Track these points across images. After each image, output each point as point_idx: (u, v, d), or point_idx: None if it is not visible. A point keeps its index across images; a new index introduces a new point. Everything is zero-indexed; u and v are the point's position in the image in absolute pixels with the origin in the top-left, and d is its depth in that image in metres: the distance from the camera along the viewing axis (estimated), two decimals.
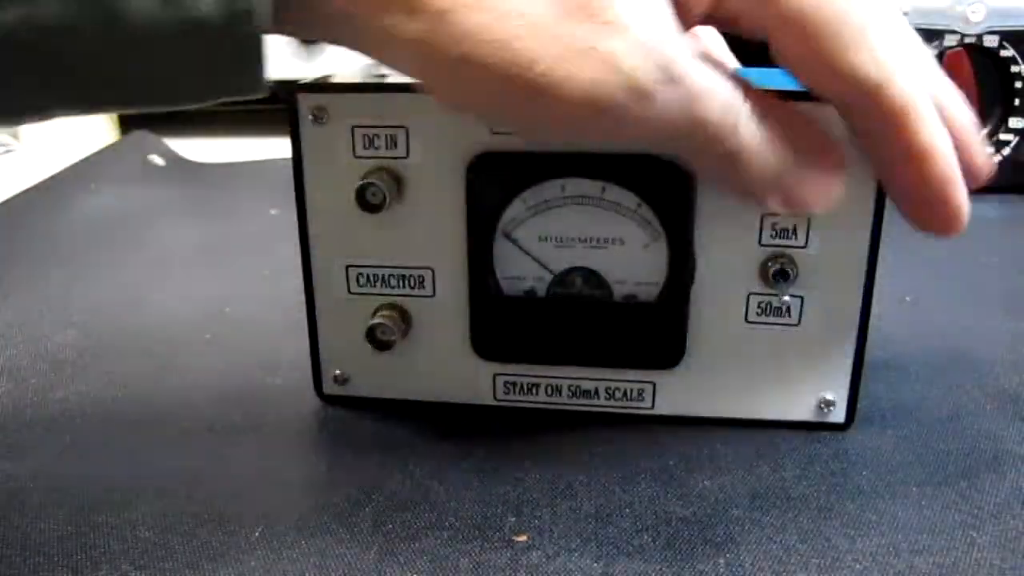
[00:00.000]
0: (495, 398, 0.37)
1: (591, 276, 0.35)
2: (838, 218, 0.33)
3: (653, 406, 0.37)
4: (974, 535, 0.30)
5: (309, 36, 0.27)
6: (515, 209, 0.35)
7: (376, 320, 0.36)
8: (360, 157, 0.35)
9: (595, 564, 0.28)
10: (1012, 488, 0.32)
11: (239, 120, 1.03)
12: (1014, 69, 0.69)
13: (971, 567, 0.28)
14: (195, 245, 0.61)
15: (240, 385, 0.40)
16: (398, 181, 0.35)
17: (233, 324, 0.47)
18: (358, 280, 0.36)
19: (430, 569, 0.28)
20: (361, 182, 0.34)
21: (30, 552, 0.29)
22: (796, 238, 0.34)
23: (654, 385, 0.37)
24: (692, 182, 0.33)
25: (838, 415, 0.36)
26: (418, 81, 0.26)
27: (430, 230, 0.35)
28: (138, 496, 0.32)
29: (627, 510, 0.31)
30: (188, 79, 0.24)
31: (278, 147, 0.84)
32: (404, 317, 0.36)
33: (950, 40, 0.68)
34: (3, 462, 0.34)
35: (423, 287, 0.36)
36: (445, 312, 0.36)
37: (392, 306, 0.36)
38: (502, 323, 0.36)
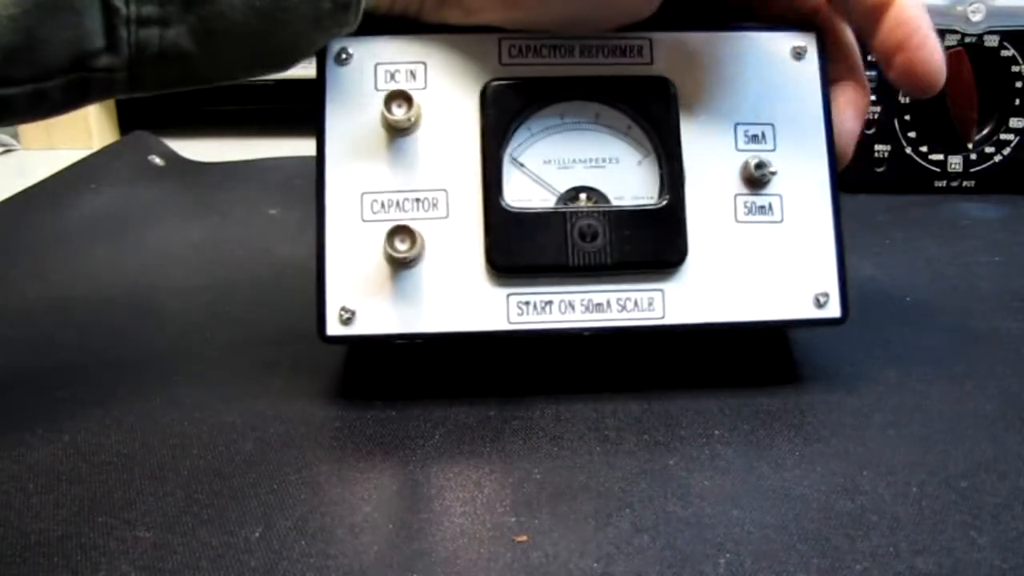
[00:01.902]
0: (509, 321, 0.37)
1: (593, 194, 0.38)
2: (796, 123, 0.39)
3: (664, 315, 0.38)
4: (974, 535, 0.30)
5: None
6: (521, 135, 0.38)
7: (393, 233, 0.36)
8: (381, 90, 0.38)
9: (595, 564, 0.28)
10: (1012, 488, 0.32)
11: (239, 120, 1.03)
12: (1014, 69, 0.69)
13: (971, 567, 0.28)
14: (195, 245, 0.61)
15: (240, 385, 0.40)
16: (416, 108, 0.37)
17: (233, 324, 0.47)
18: (372, 207, 0.37)
19: (430, 570, 0.28)
20: (386, 97, 0.36)
21: (30, 552, 0.29)
22: (765, 142, 0.39)
23: (663, 293, 0.38)
24: (675, 101, 0.38)
25: (834, 309, 0.38)
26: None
27: (445, 153, 0.38)
28: (138, 496, 0.32)
29: (627, 510, 0.31)
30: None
31: (278, 147, 0.84)
32: (417, 241, 0.36)
33: (950, 40, 0.68)
34: (3, 462, 0.34)
35: (437, 208, 0.38)
36: (459, 232, 0.38)
37: (406, 229, 0.36)
38: (517, 237, 0.37)
